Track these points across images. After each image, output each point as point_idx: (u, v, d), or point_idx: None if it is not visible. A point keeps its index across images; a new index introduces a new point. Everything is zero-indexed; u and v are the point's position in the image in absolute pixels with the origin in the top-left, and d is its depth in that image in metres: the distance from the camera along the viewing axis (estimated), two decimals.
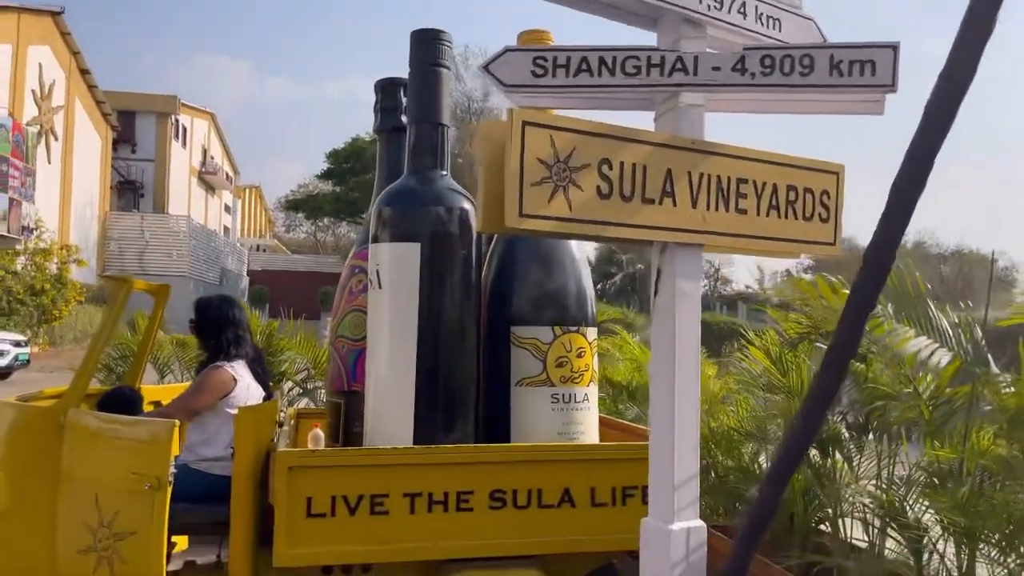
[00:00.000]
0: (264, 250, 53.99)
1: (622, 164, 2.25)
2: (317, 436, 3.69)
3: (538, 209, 2.12)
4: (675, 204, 2.34)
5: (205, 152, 43.90)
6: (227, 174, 47.60)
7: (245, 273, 44.19)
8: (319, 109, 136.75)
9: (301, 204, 48.92)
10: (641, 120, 2.40)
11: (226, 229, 48.39)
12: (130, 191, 37.55)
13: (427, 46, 3.33)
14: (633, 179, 2.26)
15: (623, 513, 3.14)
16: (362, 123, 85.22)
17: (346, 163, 41.84)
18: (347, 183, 42.51)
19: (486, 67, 2.49)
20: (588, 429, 3.44)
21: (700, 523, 2.37)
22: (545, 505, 3.08)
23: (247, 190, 59.20)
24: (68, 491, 2.93)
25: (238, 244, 47.17)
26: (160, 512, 2.76)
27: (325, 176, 44.45)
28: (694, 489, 2.37)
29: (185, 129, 40.03)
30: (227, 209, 50.18)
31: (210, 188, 45.36)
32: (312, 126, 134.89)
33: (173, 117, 37.72)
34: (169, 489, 2.76)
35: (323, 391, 6.06)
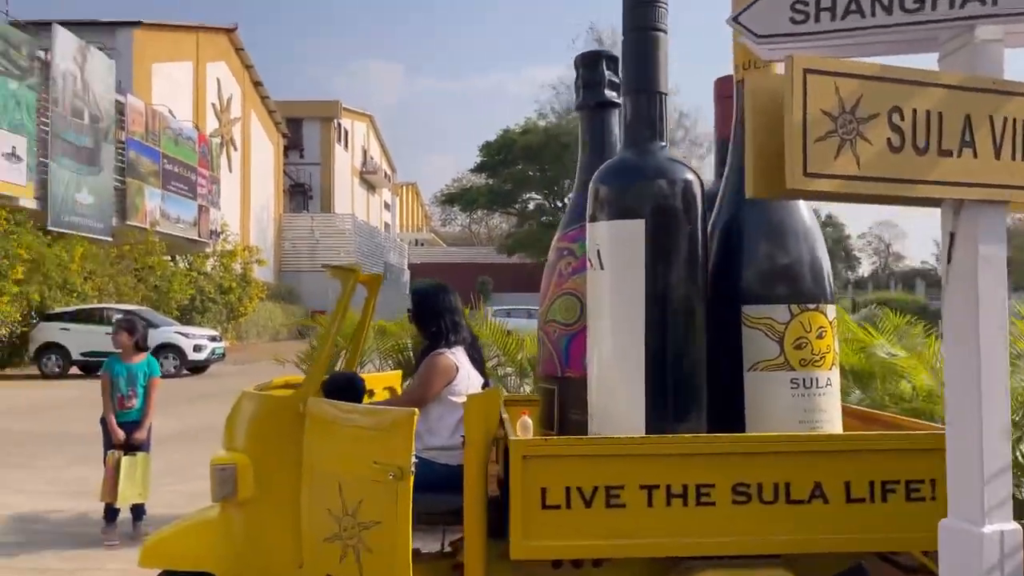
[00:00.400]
0: (422, 244, 55.92)
1: (915, 112, 1.95)
2: (526, 424, 3.58)
3: (824, 167, 1.86)
4: (975, 155, 2.01)
5: (365, 153, 45.93)
6: (385, 173, 49.64)
7: (406, 267, 45.91)
8: (468, 104, 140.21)
9: (456, 198, 50.07)
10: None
11: (386, 225, 50.52)
12: (300, 193, 39.91)
13: (644, 9, 3.12)
14: (928, 128, 1.96)
15: (881, 510, 2.82)
16: (510, 115, 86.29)
17: (498, 155, 42.38)
18: (499, 175, 43.07)
19: (735, 18, 2.25)
20: (832, 417, 3.13)
21: (1015, 525, 2.04)
22: (794, 500, 2.81)
23: (404, 187, 61.48)
24: (311, 479, 2.97)
25: (398, 239, 49.09)
26: (404, 502, 2.72)
27: (478, 169, 45.22)
28: (1007, 484, 2.04)
29: (346, 132, 42.00)
30: (386, 206, 52.35)
31: (370, 187, 47.43)
32: (462, 121, 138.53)
33: (336, 121, 39.69)
34: (411, 479, 2.73)
35: (514, 377, 6.03)
